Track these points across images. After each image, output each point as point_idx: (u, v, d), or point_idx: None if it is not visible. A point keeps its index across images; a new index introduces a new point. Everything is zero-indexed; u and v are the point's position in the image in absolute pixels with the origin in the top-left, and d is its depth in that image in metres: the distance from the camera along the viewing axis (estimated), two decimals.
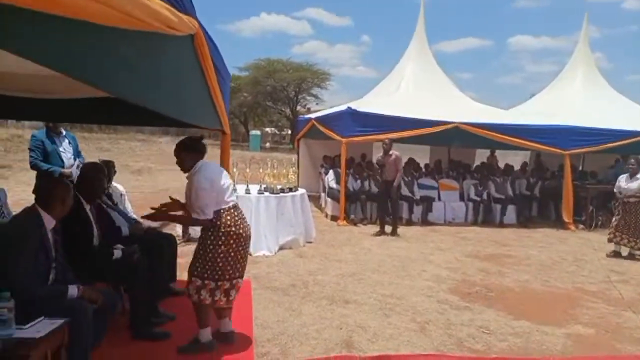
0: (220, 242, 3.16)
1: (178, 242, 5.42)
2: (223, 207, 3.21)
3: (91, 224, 3.42)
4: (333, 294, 4.76)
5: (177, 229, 6.85)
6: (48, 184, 2.90)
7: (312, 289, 4.92)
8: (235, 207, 3.31)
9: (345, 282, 5.20)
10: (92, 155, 13.87)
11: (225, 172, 3.46)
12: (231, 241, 3.18)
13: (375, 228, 8.47)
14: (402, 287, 5.17)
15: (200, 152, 3.31)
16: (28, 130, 22.09)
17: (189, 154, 3.30)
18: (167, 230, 4.99)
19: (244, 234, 3.25)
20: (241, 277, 3.33)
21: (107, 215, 3.94)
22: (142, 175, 15.87)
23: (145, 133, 31.86)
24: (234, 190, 3.63)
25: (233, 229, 3.18)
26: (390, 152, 8.15)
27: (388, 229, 8.14)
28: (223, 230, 3.15)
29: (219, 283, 3.19)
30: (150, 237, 4.11)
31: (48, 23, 1.21)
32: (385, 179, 8.29)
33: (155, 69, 2.10)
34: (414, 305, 4.58)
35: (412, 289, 5.12)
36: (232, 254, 3.19)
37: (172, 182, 13.93)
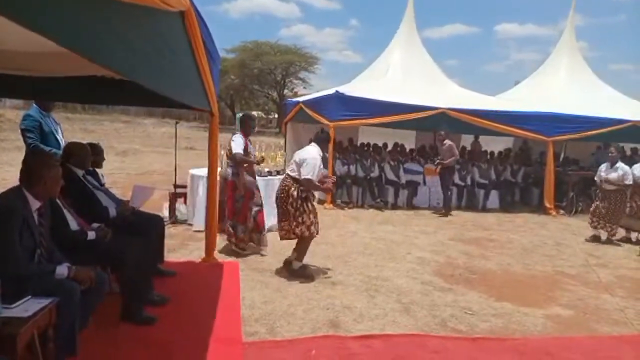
0: None
1: (165, 223, 5.41)
2: None
3: (59, 208, 3.33)
4: (320, 276, 4.82)
5: (164, 211, 6.83)
6: (33, 164, 2.85)
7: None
8: (286, 175, 4.82)
9: (332, 264, 5.26)
10: (76, 136, 13.67)
11: (299, 152, 4.85)
12: None
13: (361, 212, 8.65)
14: (387, 269, 5.25)
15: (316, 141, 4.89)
16: (9, 110, 21.62)
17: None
18: (154, 211, 4.97)
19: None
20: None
21: (92, 196, 3.89)
22: (128, 157, 15.71)
23: (129, 114, 31.43)
24: (293, 164, 4.77)
25: None
26: (445, 141, 8.92)
27: (374, 212, 8.22)
28: None
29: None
30: (137, 218, 4.10)
31: None
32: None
33: (147, 44, 2.08)
34: (399, 287, 4.66)
35: (397, 271, 5.21)
36: None
37: (157, 164, 13.85)
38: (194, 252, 5.35)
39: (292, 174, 4.68)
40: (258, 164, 5.99)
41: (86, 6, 1.47)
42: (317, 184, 4.68)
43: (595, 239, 7.39)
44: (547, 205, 9.84)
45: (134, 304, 3.42)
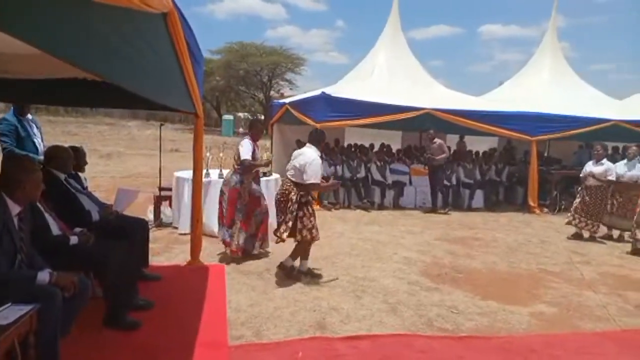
0: None
1: (150, 227, 5.36)
2: None
3: (41, 213, 3.28)
4: (307, 277, 4.80)
5: (148, 214, 6.76)
6: (12, 169, 2.80)
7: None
8: (286, 178, 4.75)
9: (319, 265, 5.24)
10: (58, 139, 13.47)
11: (298, 156, 4.70)
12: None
13: (348, 212, 8.68)
14: (374, 269, 5.27)
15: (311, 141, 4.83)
16: None
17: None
18: (138, 214, 4.91)
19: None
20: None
21: (75, 200, 3.83)
22: (112, 160, 15.51)
23: (113, 117, 31.08)
24: (292, 169, 4.70)
25: None
26: (434, 140, 9.27)
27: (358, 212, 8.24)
28: None
29: None
30: (120, 222, 4.05)
31: None
32: (432, 164, 9.43)
33: (129, 46, 2.06)
34: (385, 287, 4.68)
35: (384, 271, 5.22)
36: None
37: (142, 167, 13.71)
38: (179, 256, 5.30)
39: (293, 179, 4.64)
40: (266, 166, 5.86)
41: (65, 9, 1.44)
42: (322, 185, 4.69)
43: (578, 236, 7.50)
44: (531, 203, 9.97)
45: (117, 309, 3.37)
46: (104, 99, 4.18)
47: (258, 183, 5.54)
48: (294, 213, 4.55)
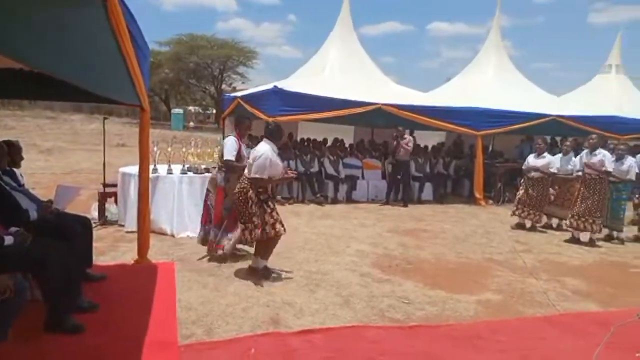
0: None
1: (94, 225, 5.14)
2: None
3: None
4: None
5: (92, 212, 6.48)
6: None
7: (238, 268, 4.89)
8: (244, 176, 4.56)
9: (272, 260, 5.18)
10: None
11: (252, 151, 4.55)
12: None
13: (301, 207, 8.68)
14: (327, 263, 5.30)
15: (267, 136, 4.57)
16: None
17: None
18: (81, 212, 4.69)
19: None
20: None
21: (9, 197, 3.60)
22: (53, 155, 14.73)
23: (55, 110, 29.47)
24: (250, 166, 4.49)
25: None
26: (404, 136, 9.49)
27: (313, 206, 8.27)
28: None
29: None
30: (61, 220, 3.85)
31: None
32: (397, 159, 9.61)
33: (64, 34, 1.94)
34: (338, 280, 4.72)
35: (337, 264, 5.26)
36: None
37: (85, 163, 13.12)
38: (126, 254, 5.11)
39: (249, 176, 4.47)
40: None
41: None
42: (271, 179, 4.48)
43: (520, 226, 7.87)
44: (477, 196, 10.36)
45: (58, 312, 3.20)
46: (42, 91, 3.95)
47: None
48: (261, 209, 4.44)
